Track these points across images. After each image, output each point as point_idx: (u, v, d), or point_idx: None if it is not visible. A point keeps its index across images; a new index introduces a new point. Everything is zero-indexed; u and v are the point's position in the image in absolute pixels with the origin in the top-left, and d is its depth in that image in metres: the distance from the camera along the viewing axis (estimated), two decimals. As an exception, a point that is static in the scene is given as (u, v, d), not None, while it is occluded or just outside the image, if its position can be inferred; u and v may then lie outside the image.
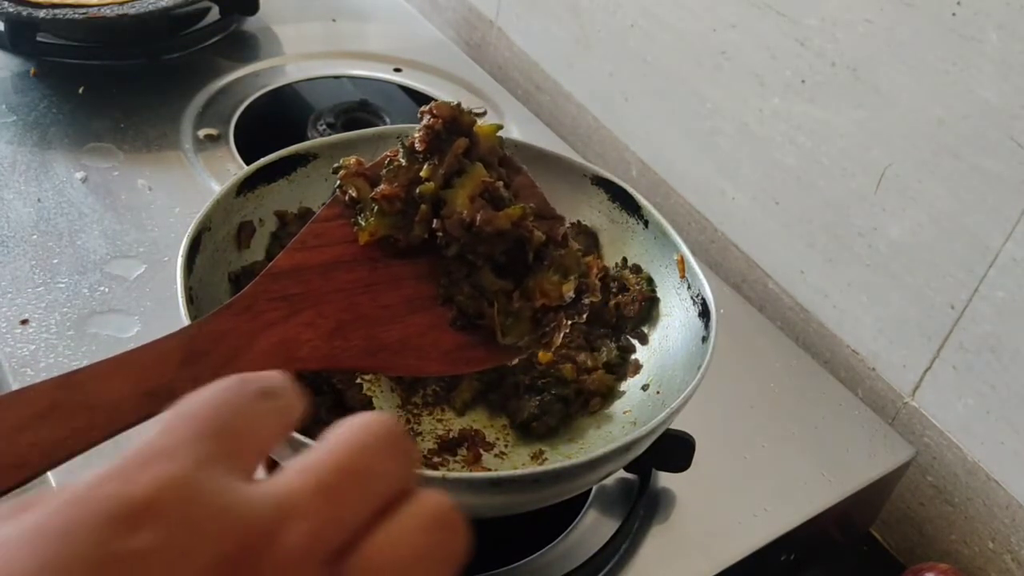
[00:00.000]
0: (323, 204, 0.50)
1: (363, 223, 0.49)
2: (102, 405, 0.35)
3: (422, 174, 0.49)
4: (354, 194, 0.49)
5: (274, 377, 0.26)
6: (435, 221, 0.49)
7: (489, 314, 0.49)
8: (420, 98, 0.99)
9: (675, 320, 0.59)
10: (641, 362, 0.60)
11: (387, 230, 0.49)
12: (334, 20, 1.09)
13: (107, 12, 0.85)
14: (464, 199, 0.48)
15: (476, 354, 0.50)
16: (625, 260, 0.63)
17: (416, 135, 0.49)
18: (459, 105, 0.50)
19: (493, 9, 1.07)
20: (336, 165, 0.50)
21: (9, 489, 0.33)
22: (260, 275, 0.44)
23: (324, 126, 0.89)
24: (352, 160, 0.50)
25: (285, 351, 0.43)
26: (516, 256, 0.50)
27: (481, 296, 0.50)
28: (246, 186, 0.58)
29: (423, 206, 0.49)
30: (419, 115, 0.50)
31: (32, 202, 0.75)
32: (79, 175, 0.79)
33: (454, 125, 0.49)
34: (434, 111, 0.49)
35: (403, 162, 0.49)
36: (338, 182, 0.50)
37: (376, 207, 0.49)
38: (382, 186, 0.48)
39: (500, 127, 0.52)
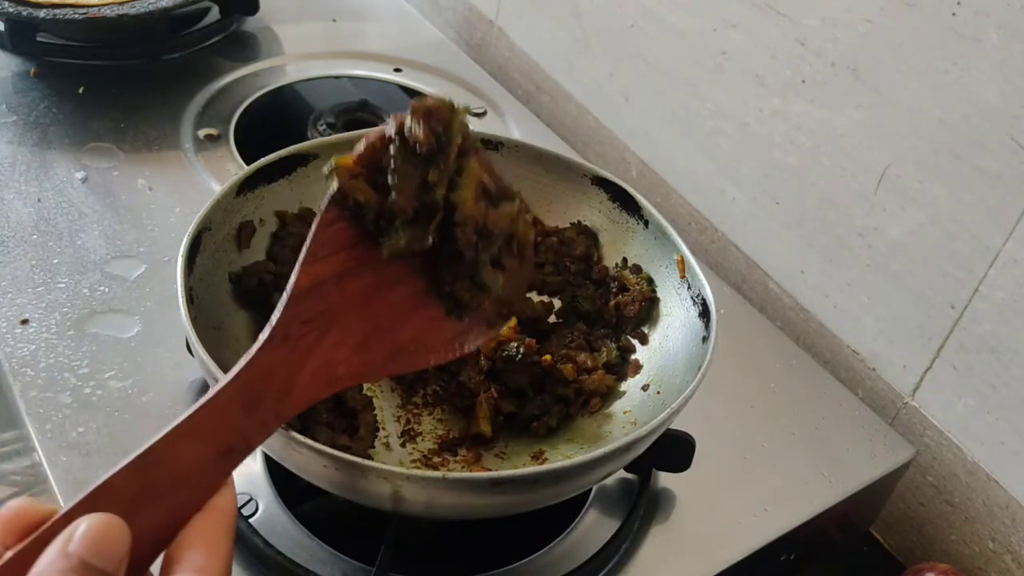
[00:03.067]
0: (321, 208, 0.48)
1: (392, 239, 0.47)
2: (188, 477, 0.34)
3: (431, 179, 0.47)
4: (360, 199, 0.46)
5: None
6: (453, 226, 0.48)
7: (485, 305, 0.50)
8: (420, 98, 0.99)
9: (675, 320, 0.59)
10: (641, 362, 0.60)
11: (411, 243, 0.48)
12: (334, 20, 1.09)
13: (107, 12, 0.85)
14: (471, 201, 0.48)
15: (470, 337, 0.50)
16: (625, 260, 0.63)
17: (417, 135, 0.48)
18: (452, 104, 0.49)
19: (493, 9, 1.07)
20: (330, 167, 0.47)
21: None
22: (288, 299, 0.42)
23: (324, 126, 0.89)
24: (350, 161, 0.47)
25: (325, 375, 0.42)
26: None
27: (480, 289, 0.50)
28: (246, 186, 0.58)
29: (439, 214, 0.48)
30: (412, 112, 0.48)
31: (32, 202, 0.75)
32: (79, 175, 0.79)
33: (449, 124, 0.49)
34: (433, 112, 0.48)
35: (405, 165, 0.47)
36: (336, 184, 0.47)
37: (400, 222, 0.47)
38: (395, 197, 0.46)
39: (468, 110, 0.51)
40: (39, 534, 0.31)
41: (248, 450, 0.37)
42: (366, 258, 0.46)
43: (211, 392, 0.36)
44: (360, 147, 0.47)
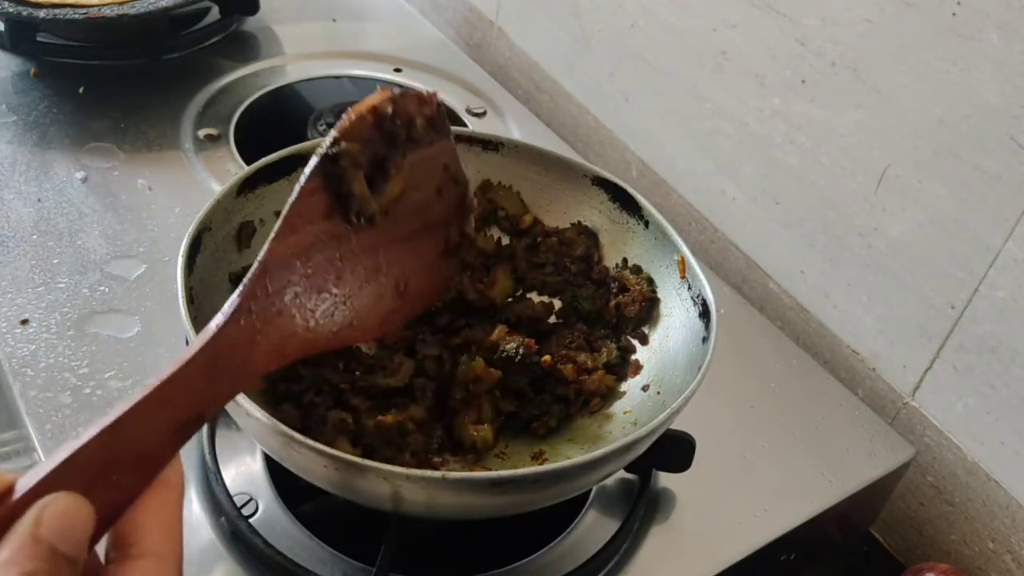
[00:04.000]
0: (304, 176, 0.46)
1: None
2: (147, 451, 0.33)
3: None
4: (355, 191, 0.46)
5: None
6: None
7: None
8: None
9: (675, 320, 0.59)
10: (641, 362, 0.60)
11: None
12: (334, 20, 1.09)
13: (107, 12, 0.85)
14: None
15: (402, 314, 0.52)
16: (626, 260, 0.63)
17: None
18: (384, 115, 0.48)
19: (493, 9, 1.07)
20: (336, 150, 0.45)
21: None
22: (256, 268, 0.42)
23: (324, 126, 0.89)
24: (356, 148, 0.46)
25: (279, 348, 0.42)
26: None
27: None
28: (247, 186, 0.58)
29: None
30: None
31: (32, 202, 0.75)
32: (79, 175, 0.79)
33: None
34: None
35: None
36: (335, 163, 0.46)
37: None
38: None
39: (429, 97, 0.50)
40: (4, 512, 0.29)
41: (200, 424, 0.36)
42: (334, 231, 0.46)
43: (180, 361, 0.35)
44: (350, 120, 0.46)
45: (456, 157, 0.53)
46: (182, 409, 0.35)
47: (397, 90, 0.48)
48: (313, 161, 0.45)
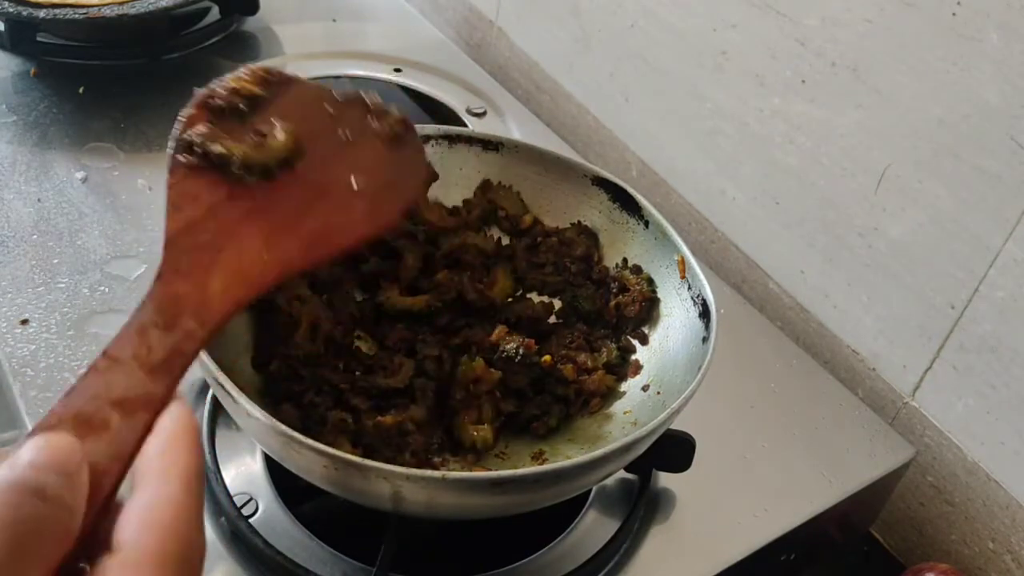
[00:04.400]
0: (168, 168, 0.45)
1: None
2: (122, 400, 0.33)
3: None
4: (214, 151, 0.44)
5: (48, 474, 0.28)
6: None
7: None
8: (420, 98, 0.99)
9: (675, 321, 0.59)
10: (641, 362, 0.60)
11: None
12: (334, 20, 1.09)
13: (107, 12, 0.85)
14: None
15: (385, 210, 0.51)
16: (626, 260, 0.63)
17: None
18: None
19: (493, 9, 1.07)
20: (186, 139, 0.44)
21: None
22: (164, 247, 0.41)
23: (324, 126, 0.89)
24: (201, 119, 0.45)
25: (241, 280, 0.41)
26: None
27: None
28: (246, 186, 0.58)
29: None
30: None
31: (32, 202, 0.75)
32: (79, 175, 0.79)
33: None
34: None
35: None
36: (191, 151, 0.44)
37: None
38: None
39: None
40: None
41: (183, 359, 0.36)
42: (235, 189, 0.45)
43: (120, 331, 0.36)
44: (181, 125, 0.45)
45: (317, 85, 0.52)
46: (144, 357, 0.35)
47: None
48: (168, 159, 0.44)
